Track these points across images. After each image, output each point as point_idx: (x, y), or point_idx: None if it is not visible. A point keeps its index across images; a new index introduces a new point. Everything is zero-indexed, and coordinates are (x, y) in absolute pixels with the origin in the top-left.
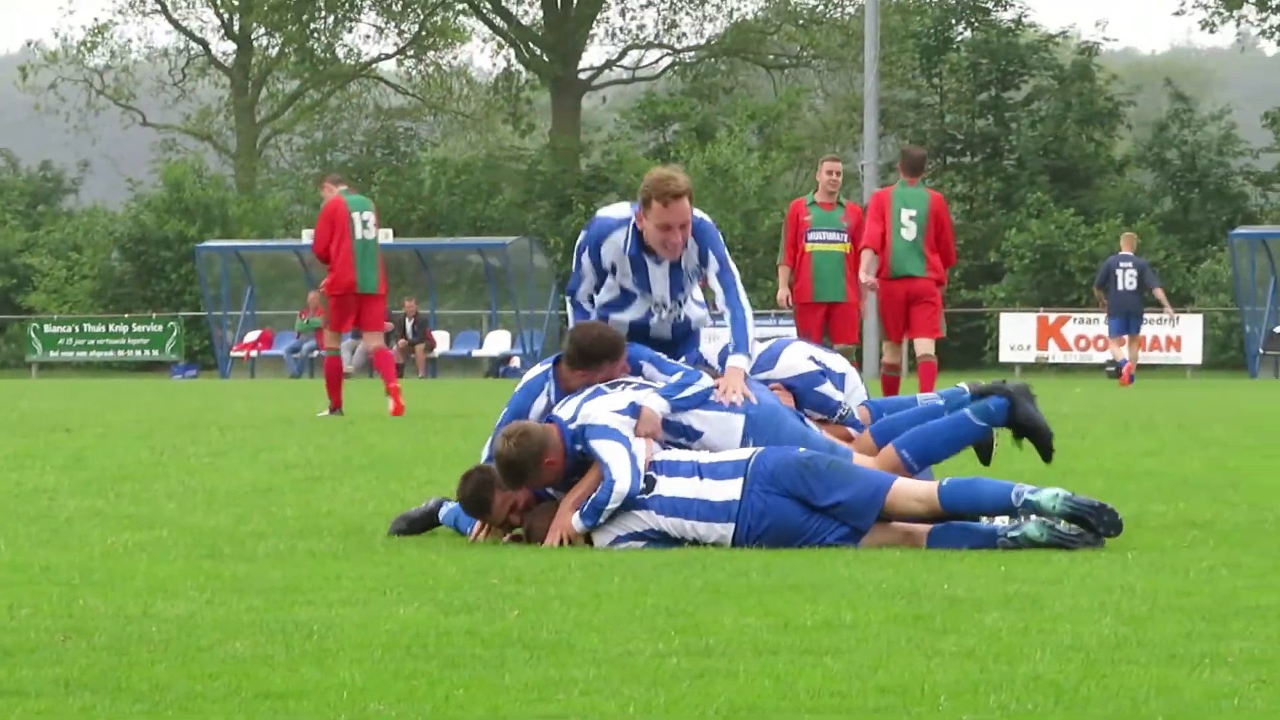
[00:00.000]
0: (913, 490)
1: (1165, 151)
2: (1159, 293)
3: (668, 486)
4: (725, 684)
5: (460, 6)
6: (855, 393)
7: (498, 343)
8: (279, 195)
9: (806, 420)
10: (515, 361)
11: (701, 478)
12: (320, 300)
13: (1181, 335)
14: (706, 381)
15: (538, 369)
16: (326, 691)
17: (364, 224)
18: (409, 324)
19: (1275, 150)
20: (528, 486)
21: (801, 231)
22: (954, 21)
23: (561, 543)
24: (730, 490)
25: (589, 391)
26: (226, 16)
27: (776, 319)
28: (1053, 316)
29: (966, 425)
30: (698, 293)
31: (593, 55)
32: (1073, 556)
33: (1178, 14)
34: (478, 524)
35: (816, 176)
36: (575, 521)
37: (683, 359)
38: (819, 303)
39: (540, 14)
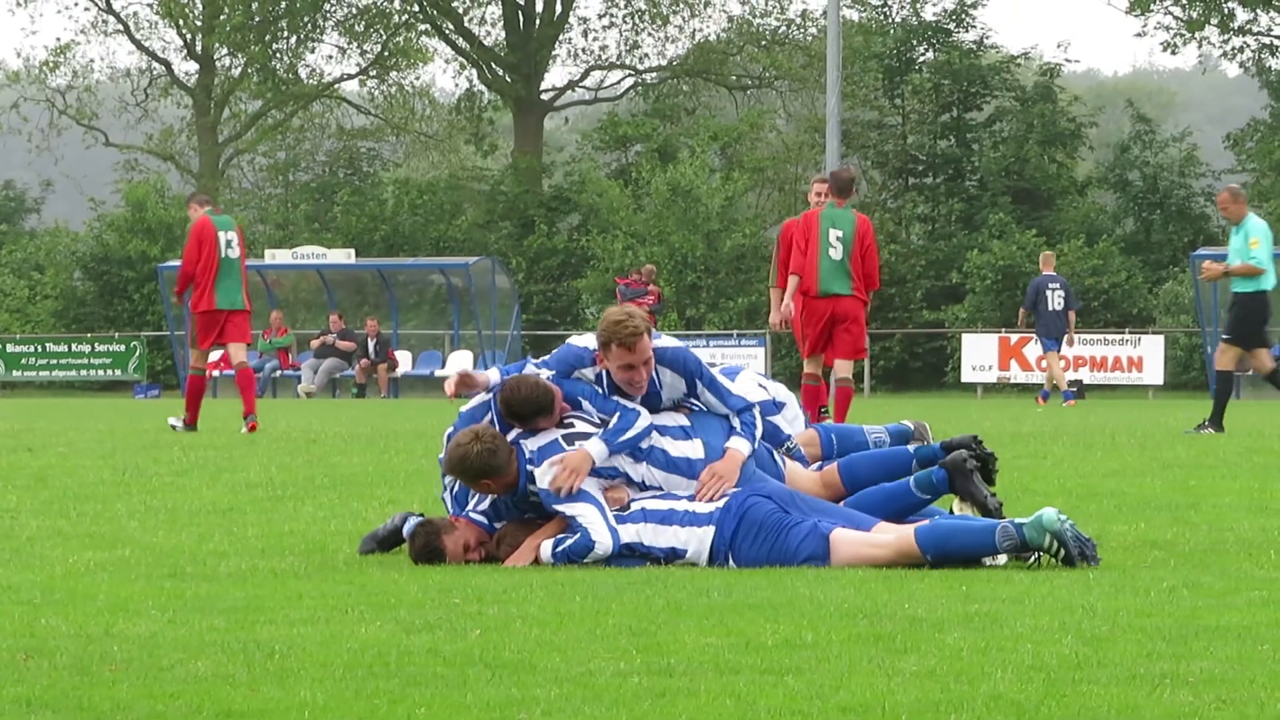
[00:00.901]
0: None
1: (1127, 173)
2: (1072, 315)
3: (650, 504)
4: (686, 703)
5: (423, 27)
6: (795, 422)
7: (460, 363)
8: (241, 215)
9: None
10: None
11: (690, 500)
12: (191, 319)
13: (1143, 356)
14: (645, 421)
15: (479, 399)
16: (288, 711)
17: (228, 243)
18: (371, 344)
19: (1236, 171)
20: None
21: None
22: (916, 43)
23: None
24: (715, 505)
25: (544, 442)
26: (189, 37)
27: (739, 339)
28: (1014, 337)
29: (907, 497)
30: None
31: (555, 76)
32: (1034, 576)
33: (1139, 35)
34: None
35: (808, 197)
36: (545, 551)
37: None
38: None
39: (503, 35)
